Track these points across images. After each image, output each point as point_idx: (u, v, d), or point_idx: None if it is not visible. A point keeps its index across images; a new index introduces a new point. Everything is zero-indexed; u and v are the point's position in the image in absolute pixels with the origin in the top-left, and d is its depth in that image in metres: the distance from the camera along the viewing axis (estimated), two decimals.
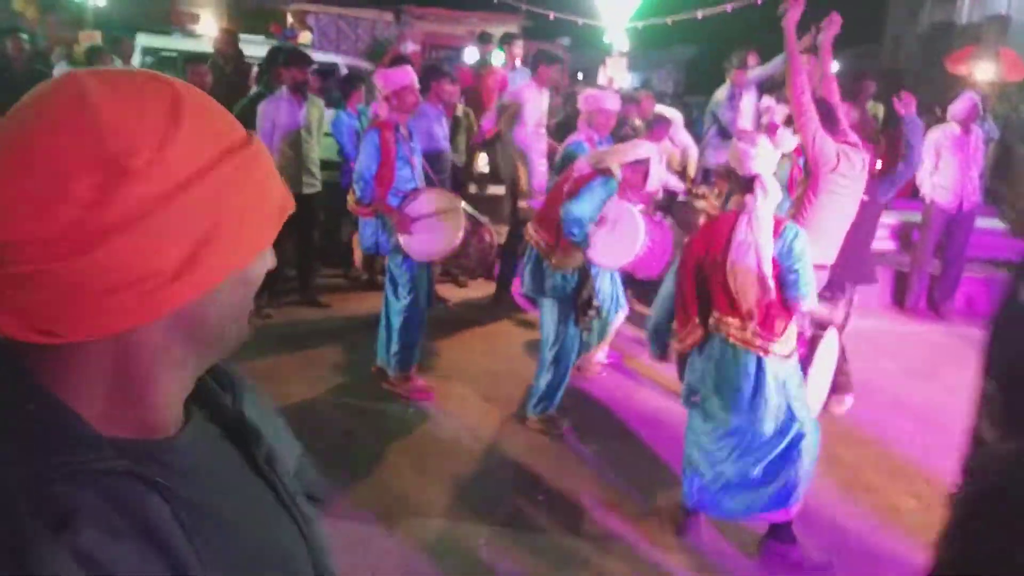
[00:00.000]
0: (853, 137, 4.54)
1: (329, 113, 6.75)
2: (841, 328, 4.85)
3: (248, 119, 6.31)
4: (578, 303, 4.43)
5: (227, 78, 7.40)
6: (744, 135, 3.51)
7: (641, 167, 4.35)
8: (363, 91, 6.83)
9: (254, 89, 6.78)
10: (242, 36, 9.41)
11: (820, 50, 4.77)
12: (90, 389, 0.73)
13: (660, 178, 4.34)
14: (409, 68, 5.00)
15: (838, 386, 4.84)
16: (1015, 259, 7.99)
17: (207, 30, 16.69)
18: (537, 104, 6.84)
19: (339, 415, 4.71)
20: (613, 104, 5.25)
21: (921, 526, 3.88)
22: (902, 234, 8.06)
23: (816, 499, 3.97)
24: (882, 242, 7.99)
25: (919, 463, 4.52)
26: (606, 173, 4.29)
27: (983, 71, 13.34)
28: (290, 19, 15.90)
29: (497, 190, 7.88)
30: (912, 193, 7.64)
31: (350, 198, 4.93)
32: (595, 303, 4.42)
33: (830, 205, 4.50)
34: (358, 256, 7.00)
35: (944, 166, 7.03)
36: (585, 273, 4.46)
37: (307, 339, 5.85)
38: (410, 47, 11.09)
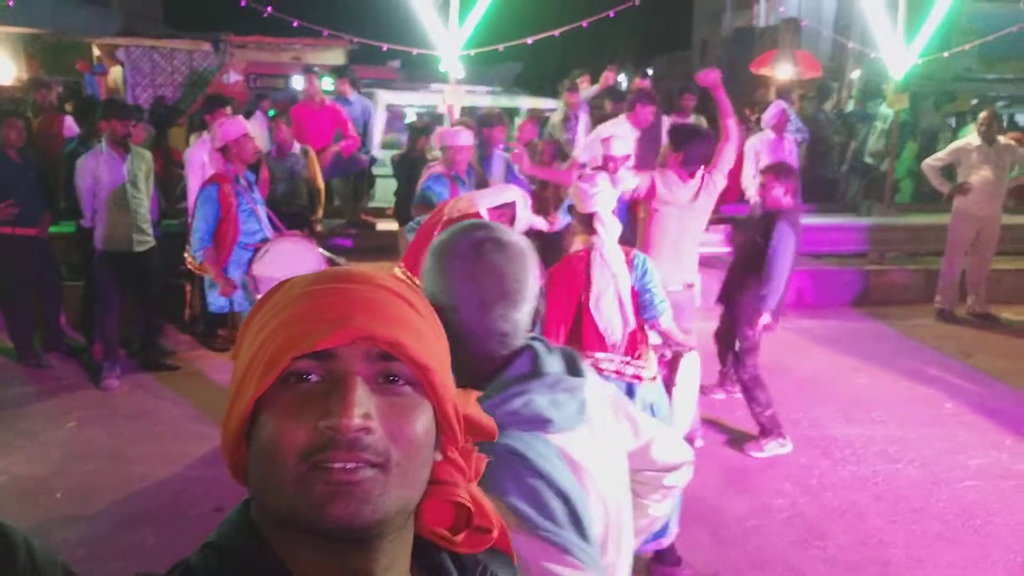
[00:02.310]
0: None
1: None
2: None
3: (67, 176, 5.88)
4: None
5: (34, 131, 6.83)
6: (585, 175, 3.63)
7: (508, 210, 4.36)
8: None
9: (70, 144, 6.29)
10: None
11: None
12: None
13: (527, 220, 4.38)
14: (241, 119, 4.83)
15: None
16: (832, 252, 8.70)
17: (3, 70, 15.35)
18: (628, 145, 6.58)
19: (205, 490, 4.41)
20: (467, 140, 5.25)
21: (792, 521, 4.12)
22: (733, 236, 8.56)
23: (697, 507, 4.14)
24: (715, 247, 8.46)
25: (781, 461, 4.79)
26: (474, 218, 4.27)
27: (783, 71, 14.49)
28: (97, 53, 14.89)
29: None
30: (739, 197, 8.13)
31: (188, 258, 4.67)
32: None
33: (659, 232, 4.73)
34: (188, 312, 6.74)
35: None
36: None
37: (156, 408, 5.47)
38: (233, 77, 10.66)
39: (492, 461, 0.97)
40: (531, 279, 1.34)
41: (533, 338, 1.36)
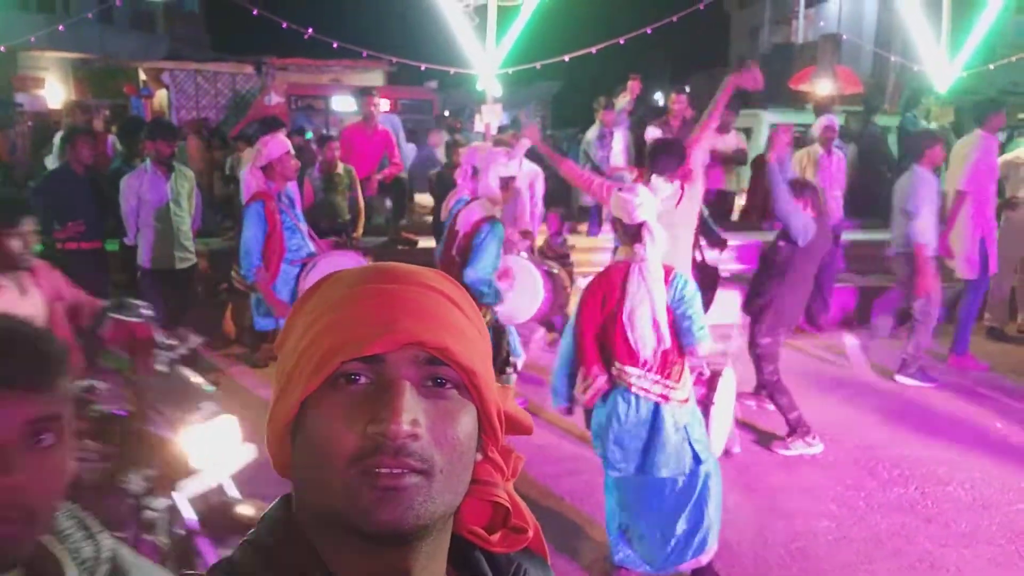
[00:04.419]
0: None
1: None
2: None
3: (111, 194, 6.00)
4: (496, 363, 4.38)
5: None
6: (625, 186, 3.57)
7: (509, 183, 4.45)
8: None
9: (114, 163, 6.43)
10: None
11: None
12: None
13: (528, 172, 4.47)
14: (283, 137, 4.88)
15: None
16: (877, 268, 8.56)
17: (52, 94, 15.81)
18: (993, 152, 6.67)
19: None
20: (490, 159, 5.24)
21: (839, 544, 4.01)
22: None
23: (740, 528, 4.06)
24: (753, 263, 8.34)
25: (826, 482, 4.69)
26: (489, 220, 4.29)
27: (823, 87, 14.34)
28: (143, 77, 15.27)
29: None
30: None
31: (235, 276, 4.73)
32: (512, 360, 4.39)
33: None
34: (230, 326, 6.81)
35: None
36: (500, 332, 4.41)
37: None
38: (274, 99, 10.85)
39: None
40: None
41: None
